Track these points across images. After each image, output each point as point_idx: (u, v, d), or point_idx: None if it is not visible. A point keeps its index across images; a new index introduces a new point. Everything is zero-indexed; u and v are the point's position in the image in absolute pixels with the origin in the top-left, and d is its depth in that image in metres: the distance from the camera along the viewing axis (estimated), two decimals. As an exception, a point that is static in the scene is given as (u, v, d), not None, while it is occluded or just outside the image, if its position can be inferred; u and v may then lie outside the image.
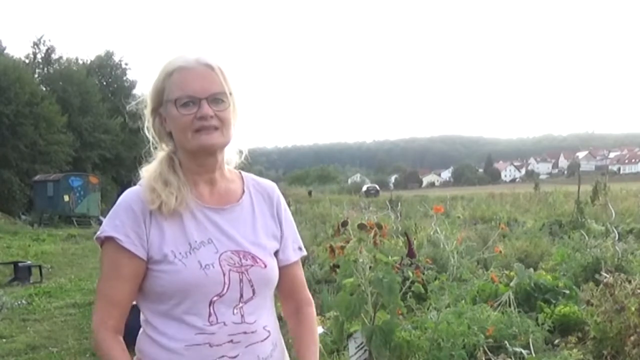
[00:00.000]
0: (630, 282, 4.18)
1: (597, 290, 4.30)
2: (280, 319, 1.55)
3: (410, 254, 4.18)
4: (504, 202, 21.75)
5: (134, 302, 1.42)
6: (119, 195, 1.46)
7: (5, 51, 33.87)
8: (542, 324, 4.50)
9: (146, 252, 1.36)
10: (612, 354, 3.99)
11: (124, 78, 42.01)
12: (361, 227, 3.53)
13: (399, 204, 18.06)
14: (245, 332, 1.37)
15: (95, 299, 1.41)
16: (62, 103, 32.64)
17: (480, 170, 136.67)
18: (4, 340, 6.06)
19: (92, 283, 9.44)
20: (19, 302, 7.91)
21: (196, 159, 1.42)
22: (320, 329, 4.45)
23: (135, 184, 1.46)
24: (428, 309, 4.27)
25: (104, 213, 25.45)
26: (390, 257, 3.49)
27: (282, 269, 1.49)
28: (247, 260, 1.39)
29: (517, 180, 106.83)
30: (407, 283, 3.64)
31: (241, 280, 1.37)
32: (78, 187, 26.80)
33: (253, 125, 1.54)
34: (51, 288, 9.26)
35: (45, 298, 8.43)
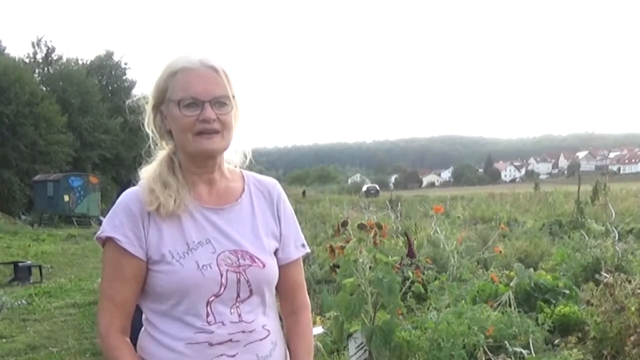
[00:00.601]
0: (630, 282, 4.18)
1: (597, 290, 4.30)
2: (280, 319, 1.55)
3: (410, 254, 4.18)
4: (504, 202, 21.75)
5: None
6: (118, 195, 1.46)
7: (5, 51, 33.92)
8: (542, 324, 4.50)
9: (145, 253, 1.36)
10: (612, 354, 3.99)
11: (124, 78, 42.02)
12: (361, 227, 3.53)
13: (399, 204, 18.05)
14: (243, 331, 1.37)
15: (99, 301, 1.42)
16: (62, 103, 32.64)
17: (480, 170, 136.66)
18: (4, 340, 6.06)
19: (92, 283, 9.45)
20: (19, 302, 7.91)
21: (195, 160, 1.42)
22: (320, 329, 4.45)
23: (135, 184, 1.46)
24: (428, 309, 4.27)
25: (104, 213, 25.43)
26: (390, 257, 3.49)
27: (282, 267, 1.49)
28: (245, 260, 1.39)
29: (517, 180, 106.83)
30: (407, 283, 3.63)
31: (238, 280, 1.37)
32: (78, 187, 26.80)
33: (255, 127, 1.54)
34: (51, 288, 9.26)
35: (45, 298, 8.43)
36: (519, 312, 4.59)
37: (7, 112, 28.29)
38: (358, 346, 3.53)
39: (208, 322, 1.34)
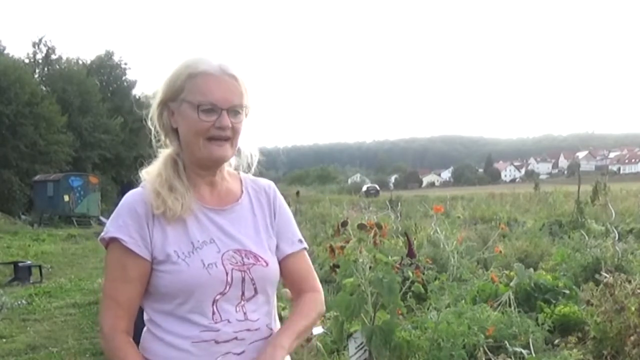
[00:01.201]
0: (630, 282, 4.18)
1: (597, 290, 4.30)
2: (280, 318, 1.55)
3: (410, 254, 4.18)
4: (504, 202, 21.75)
5: None
6: (119, 195, 1.47)
7: (5, 51, 33.91)
8: (542, 324, 4.50)
9: (150, 253, 1.37)
10: (612, 354, 3.99)
11: (124, 78, 42.08)
12: (361, 227, 3.53)
13: (399, 204, 18.07)
14: (248, 330, 1.38)
15: (102, 301, 1.42)
16: (62, 103, 32.65)
17: (480, 170, 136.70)
18: (4, 340, 6.06)
19: (92, 283, 9.45)
20: (19, 302, 7.91)
21: (201, 164, 1.43)
22: (320, 329, 4.45)
23: (135, 184, 1.46)
24: (428, 309, 4.27)
25: (104, 213, 25.48)
26: (390, 257, 3.49)
27: (280, 263, 1.50)
28: (249, 259, 1.41)
29: (517, 180, 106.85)
30: (407, 283, 3.64)
31: (243, 279, 1.39)
32: (78, 187, 26.81)
33: (261, 131, 1.55)
34: (51, 288, 9.26)
35: (45, 298, 8.43)
36: (519, 312, 4.59)
37: (7, 112, 28.31)
38: (358, 346, 3.53)
39: (214, 320, 1.35)
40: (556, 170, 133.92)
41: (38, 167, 29.96)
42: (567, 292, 5.31)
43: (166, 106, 1.43)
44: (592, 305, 4.27)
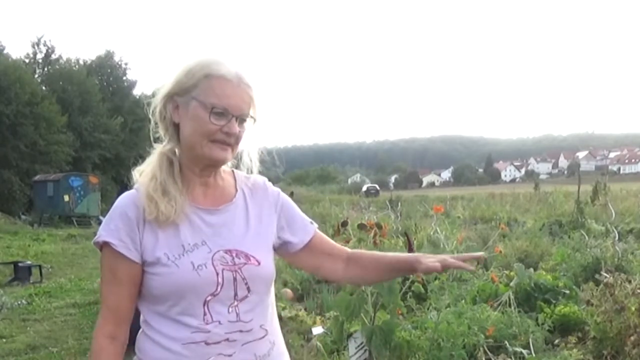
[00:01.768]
0: (630, 282, 4.18)
1: (597, 290, 4.30)
2: (280, 318, 1.55)
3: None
4: (504, 202, 21.72)
5: None
6: (118, 196, 1.46)
7: (5, 51, 33.90)
8: (542, 324, 4.49)
9: (140, 256, 1.37)
10: (612, 354, 3.99)
11: (124, 78, 42.03)
12: (361, 227, 3.53)
13: (399, 204, 18.05)
14: (241, 331, 1.37)
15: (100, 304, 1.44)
16: (62, 103, 32.65)
17: (480, 170, 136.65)
18: (4, 340, 6.06)
19: (92, 283, 9.44)
20: (19, 302, 7.91)
21: (199, 164, 1.42)
22: (320, 329, 4.45)
23: (130, 186, 1.46)
24: (428, 309, 4.27)
25: (104, 213, 25.34)
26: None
27: (303, 249, 1.54)
28: (240, 258, 1.40)
29: (517, 180, 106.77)
30: (407, 283, 3.64)
31: (235, 279, 1.38)
32: (78, 187, 26.80)
33: (262, 137, 1.55)
34: (51, 288, 9.25)
35: (45, 298, 8.43)
36: (519, 312, 4.59)
37: (7, 112, 28.31)
38: (358, 346, 3.54)
39: (205, 322, 1.35)
40: (556, 170, 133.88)
41: (38, 167, 29.95)
42: (567, 292, 5.31)
43: (172, 99, 1.42)
44: (592, 305, 4.27)
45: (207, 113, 1.36)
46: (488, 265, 6.34)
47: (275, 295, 1.53)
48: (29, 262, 10.81)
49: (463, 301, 4.09)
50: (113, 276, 1.38)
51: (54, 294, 8.80)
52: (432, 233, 8.34)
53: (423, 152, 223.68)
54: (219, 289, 1.36)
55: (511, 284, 5.16)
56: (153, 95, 1.47)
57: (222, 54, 1.44)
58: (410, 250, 4.45)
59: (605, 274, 4.51)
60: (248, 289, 1.39)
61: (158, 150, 1.46)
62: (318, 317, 5.05)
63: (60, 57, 38.22)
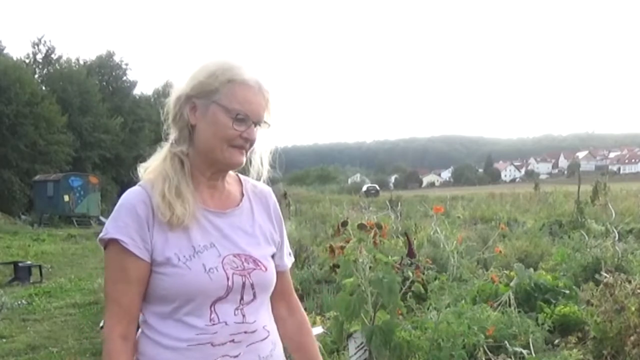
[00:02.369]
0: (630, 282, 4.18)
1: (597, 290, 4.30)
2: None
3: (410, 254, 4.19)
4: (504, 202, 21.72)
5: None
6: (119, 196, 1.45)
7: (5, 51, 33.90)
8: (542, 324, 4.49)
9: (150, 255, 1.35)
10: (612, 354, 3.99)
11: (124, 78, 41.98)
12: (361, 227, 3.53)
13: (399, 204, 18.04)
14: (246, 332, 1.37)
15: (106, 304, 1.40)
16: (62, 103, 32.64)
17: (480, 170, 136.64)
18: (4, 340, 6.06)
19: (92, 283, 9.45)
20: (19, 302, 7.92)
21: (214, 167, 1.42)
22: (320, 329, 4.45)
23: (134, 184, 1.44)
24: (428, 309, 4.27)
25: (104, 213, 25.48)
26: (390, 257, 3.49)
27: (280, 273, 1.52)
28: (249, 263, 1.40)
29: (517, 180, 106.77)
30: (407, 283, 3.64)
31: (244, 284, 1.38)
32: (78, 187, 26.81)
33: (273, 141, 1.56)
34: (51, 288, 9.26)
35: (45, 298, 8.43)
36: (519, 312, 4.59)
37: (7, 112, 28.31)
38: (358, 346, 3.54)
39: (211, 323, 1.34)
40: (556, 170, 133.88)
41: (38, 167, 29.96)
42: (567, 292, 5.30)
43: (190, 101, 1.40)
44: (592, 305, 4.27)
45: (230, 119, 1.36)
46: (488, 265, 6.35)
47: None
48: (29, 262, 10.83)
49: (463, 301, 4.09)
50: (124, 275, 1.35)
51: (54, 294, 8.81)
52: (432, 233, 8.38)
53: (423, 152, 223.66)
54: (227, 293, 1.36)
55: (511, 284, 5.16)
56: (158, 95, 1.46)
57: (240, 56, 1.44)
58: (410, 250, 4.46)
59: (605, 274, 4.51)
60: (254, 294, 1.40)
61: (167, 149, 1.43)
62: (318, 317, 5.04)
63: (60, 57, 38.26)
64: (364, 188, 52.08)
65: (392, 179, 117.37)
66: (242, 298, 1.38)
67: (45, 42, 37.69)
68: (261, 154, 1.51)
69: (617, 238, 7.01)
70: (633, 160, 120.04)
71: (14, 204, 28.38)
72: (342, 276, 3.53)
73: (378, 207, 18.32)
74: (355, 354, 3.55)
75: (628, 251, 6.69)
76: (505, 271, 6.01)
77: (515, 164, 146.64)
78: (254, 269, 1.40)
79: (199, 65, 1.41)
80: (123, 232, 1.34)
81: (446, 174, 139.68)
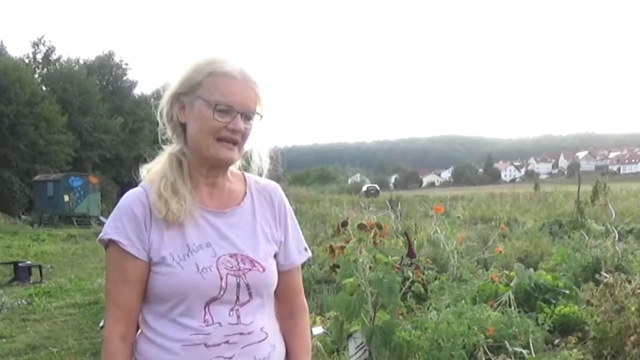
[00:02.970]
0: (630, 282, 4.18)
1: (597, 290, 4.30)
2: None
3: (410, 254, 4.18)
4: (504, 202, 21.72)
5: None
6: (119, 196, 1.45)
7: (5, 51, 33.87)
8: (542, 324, 4.49)
9: (147, 255, 1.36)
10: (612, 354, 3.99)
11: (124, 78, 41.97)
12: (361, 227, 3.53)
13: (399, 204, 18.04)
14: (241, 333, 1.36)
15: (106, 304, 1.41)
16: (62, 103, 32.62)
17: (480, 170, 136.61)
18: (4, 340, 6.06)
19: (92, 283, 9.46)
20: (19, 302, 7.91)
21: (206, 164, 1.41)
22: (320, 329, 4.45)
23: (135, 184, 1.45)
24: (428, 309, 4.27)
25: (104, 213, 25.48)
26: (390, 257, 3.49)
27: (284, 272, 1.49)
28: (245, 264, 1.39)
29: (517, 180, 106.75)
30: (407, 283, 3.64)
31: (238, 284, 1.37)
32: (78, 187, 26.81)
33: (272, 136, 1.54)
34: (51, 288, 9.26)
35: (45, 298, 8.43)
36: (519, 312, 4.59)
37: (7, 112, 28.30)
38: (358, 346, 3.54)
39: (205, 324, 1.33)
40: (556, 170, 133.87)
41: (38, 167, 29.95)
42: (567, 292, 5.31)
43: (178, 99, 1.40)
44: (592, 305, 4.27)
45: (211, 110, 1.35)
46: (488, 265, 6.35)
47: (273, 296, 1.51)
48: (29, 262, 10.83)
49: (463, 301, 4.08)
50: (122, 276, 1.36)
51: (54, 294, 8.81)
52: (432, 233, 8.38)
53: (423, 152, 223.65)
54: (221, 293, 1.35)
55: (511, 284, 5.16)
56: (157, 95, 1.46)
57: (227, 51, 1.43)
58: (410, 250, 4.45)
59: (605, 274, 4.51)
60: (250, 294, 1.38)
61: (167, 151, 1.44)
62: (318, 317, 5.04)
63: (60, 57, 38.23)
64: (364, 188, 52.09)
65: (392, 179, 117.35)
66: (237, 299, 1.37)
67: (45, 42, 37.71)
68: (259, 148, 1.50)
69: (617, 238, 7.02)
70: (633, 160, 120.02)
71: (14, 204, 28.37)
72: (342, 276, 3.53)
73: (378, 207, 18.32)
74: (355, 354, 3.55)
75: (628, 251, 6.70)
76: (505, 271, 6.01)
77: (515, 164, 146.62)
78: (250, 270, 1.38)
79: (185, 63, 1.42)
80: (120, 233, 1.35)
81: (446, 174, 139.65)
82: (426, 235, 9.03)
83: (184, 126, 1.41)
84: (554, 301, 5.09)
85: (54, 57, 37.83)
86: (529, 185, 32.46)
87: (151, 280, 1.36)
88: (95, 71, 39.53)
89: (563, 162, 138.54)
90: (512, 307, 4.62)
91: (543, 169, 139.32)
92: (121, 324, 1.37)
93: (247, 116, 1.38)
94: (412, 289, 3.63)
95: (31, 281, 9.95)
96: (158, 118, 1.45)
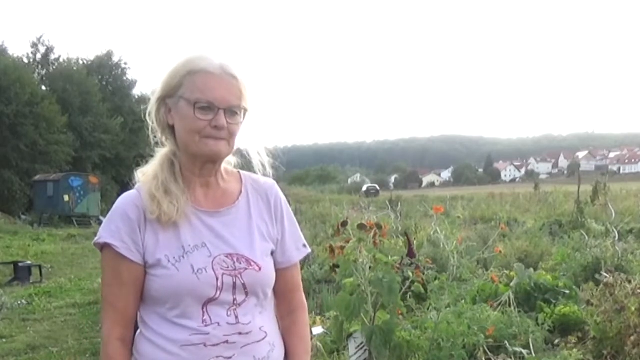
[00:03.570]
0: (630, 282, 4.18)
1: (597, 290, 4.30)
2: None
3: (410, 254, 4.18)
4: (504, 202, 21.73)
5: None
6: (119, 195, 1.45)
7: (5, 51, 33.85)
8: (542, 324, 4.49)
9: (142, 257, 1.36)
10: (612, 354, 3.99)
11: (124, 78, 41.97)
12: (361, 227, 3.53)
13: (399, 204, 18.04)
14: (240, 333, 1.36)
15: (102, 306, 1.42)
16: (62, 103, 32.60)
17: (480, 170, 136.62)
18: (4, 340, 6.06)
19: (92, 283, 9.45)
20: (19, 302, 7.91)
21: (197, 162, 1.41)
22: (320, 329, 4.45)
23: (131, 186, 1.45)
24: (428, 309, 4.27)
25: (104, 213, 25.44)
26: (390, 257, 3.49)
27: (282, 270, 1.48)
28: (241, 263, 1.38)
29: (517, 180, 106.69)
30: (407, 283, 3.64)
31: (234, 284, 1.36)
32: (78, 187, 26.81)
33: (268, 133, 1.53)
34: (51, 288, 9.26)
35: (45, 298, 8.43)
36: (519, 312, 4.59)
37: (7, 112, 28.28)
38: (358, 346, 3.54)
39: (204, 324, 1.34)
40: (556, 170, 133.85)
41: (38, 167, 29.92)
42: (567, 292, 5.30)
43: (164, 102, 1.40)
44: (592, 305, 4.27)
45: (192, 109, 1.34)
46: (488, 265, 6.35)
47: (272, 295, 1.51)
48: (29, 262, 10.82)
49: (463, 301, 4.09)
50: (117, 278, 1.36)
51: (54, 294, 8.81)
52: (432, 233, 8.38)
53: (423, 152, 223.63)
54: (218, 294, 1.34)
55: (511, 284, 5.16)
56: (147, 100, 1.46)
57: (206, 48, 1.41)
58: (410, 250, 4.45)
59: (605, 274, 4.51)
60: (247, 294, 1.38)
61: (159, 152, 1.45)
62: (318, 317, 5.04)
63: (60, 57, 38.21)
64: (364, 188, 52.14)
65: (392, 179, 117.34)
66: (234, 299, 1.37)
67: (44, 41, 37.69)
68: (254, 144, 1.49)
69: (617, 238, 7.01)
70: (633, 160, 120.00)
71: (14, 204, 28.36)
72: (342, 276, 3.53)
73: (378, 207, 18.32)
74: (355, 354, 3.55)
75: (628, 251, 6.69)
76: (505, 271, 6.01)
77: (515, 164, 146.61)
78: (246, 269, 1.38)
79: (166, 66, 1.42)
80: (115, 236, 1.35)
81: (446, 174, 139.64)
82: (426, 235, 9.03)
83: (172, 128, 1.41)
84: (554, 301, 5.09)
85: (53, 57, 37.84)
86: (529, 185, 32.49)
87: (148, 283, 1.36)
88: (95, 71, 39.51)
89: (563, 162, 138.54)
90: (512, 307, 4.62)
91: (543, 169, 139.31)
92: (119, 326, 1.37)
93: (232, 112, 1.37)
94: (412, 289, 3.62)
95: (31, 281, 9.95)
96: (149, 122, 1.45)
